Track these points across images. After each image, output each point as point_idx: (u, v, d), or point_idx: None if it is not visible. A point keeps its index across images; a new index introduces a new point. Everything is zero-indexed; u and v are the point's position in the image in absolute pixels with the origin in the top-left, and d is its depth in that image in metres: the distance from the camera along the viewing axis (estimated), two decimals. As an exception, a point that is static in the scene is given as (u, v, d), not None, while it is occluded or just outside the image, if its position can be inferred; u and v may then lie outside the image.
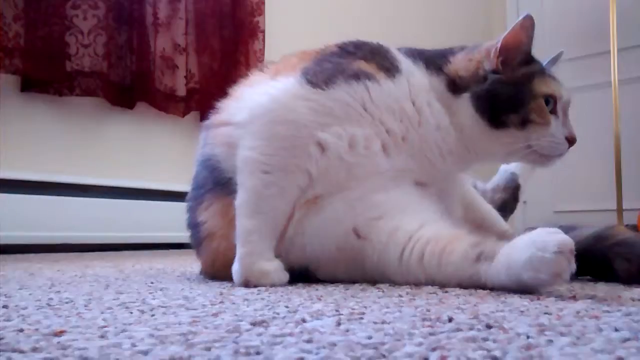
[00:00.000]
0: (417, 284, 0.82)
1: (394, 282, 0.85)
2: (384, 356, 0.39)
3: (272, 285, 0.84)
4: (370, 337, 0.45)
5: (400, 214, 0.87)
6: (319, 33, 2.95)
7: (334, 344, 0.42)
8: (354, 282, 0.88)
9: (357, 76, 0.89)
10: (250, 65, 2.64)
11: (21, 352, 0.41)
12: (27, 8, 2.01)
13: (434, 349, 0.40)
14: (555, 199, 3.65)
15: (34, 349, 0.42)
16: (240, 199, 0.87)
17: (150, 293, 0.78)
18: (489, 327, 0.49)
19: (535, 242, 0.69)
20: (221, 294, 0.76)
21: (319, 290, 0.80)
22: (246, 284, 0.84)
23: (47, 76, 2.08)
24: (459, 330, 0.48)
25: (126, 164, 2.35)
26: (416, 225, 0.85)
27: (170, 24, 2.41)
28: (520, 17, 0.90)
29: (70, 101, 2.19)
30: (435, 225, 0.86)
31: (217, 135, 0.96)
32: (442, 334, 0.46)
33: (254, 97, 0.91)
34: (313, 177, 0.88)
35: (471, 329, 0.48)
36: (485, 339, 0.44)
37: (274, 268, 0.86)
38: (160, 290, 0.82)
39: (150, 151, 2.43)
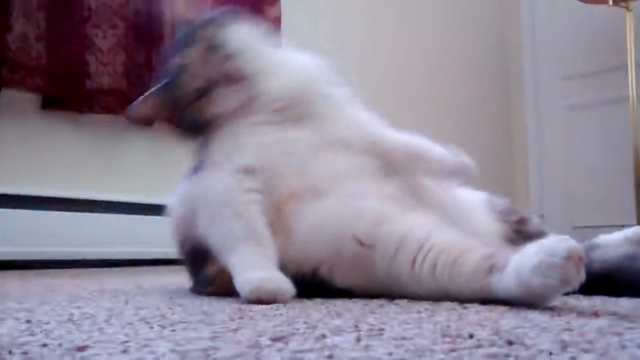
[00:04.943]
0: (431, 294, 0.83)
1: (406, 291, 0.85)
2: (405, 372, 0.39)
3: (268, 298, 0.82)
4: (390, 354, 0.44)
5: (402, 215, 0.89)
6: (336, 17, 2.98)
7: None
8: (371, 297, 0.88)
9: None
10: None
11: (46, 366, 0.42)
12: (49, 28, 2.05)
13: (455, 366, 0.40)
14: (574, 214, 3.61)
15: (59, 364, 0.43)
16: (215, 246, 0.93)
17: (170, 308, 0.78)
18: (510, 343, 0.48)
19: (545, 249, 0.69)
20: (240, 309, 0.76)
21: (337, 306, 0.80)
22: (250, 301, 0.83)
23: (67, 94, 2.12)
24: (480, 346, 0.47)
25: (146, 180, 2.37)
26: (425, 232, 0.86)
27: (188, 43, 2.45)
28: None
29: (90, 119, 2.23)
30: (444, 232, 0.87)
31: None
32: (463, 350, 0.46)
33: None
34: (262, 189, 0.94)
35: (492, 345, 0.48)
36: (507, 356, 0.43)
37: (261, 276, 0.85)
38: (179, 305, 0.82)
39: (168, 167, 2.45)
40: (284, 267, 0.89)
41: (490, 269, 0.77)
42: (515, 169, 4.00)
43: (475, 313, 0.69)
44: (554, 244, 0.69)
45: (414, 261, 0.84)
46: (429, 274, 0.83)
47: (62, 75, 2.08)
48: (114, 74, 2.21)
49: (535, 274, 0.69)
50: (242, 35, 1.03)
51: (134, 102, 1.08)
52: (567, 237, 0.70)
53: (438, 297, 0.82)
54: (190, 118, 1.01)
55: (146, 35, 2.32)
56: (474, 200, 1.13)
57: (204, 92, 0.99)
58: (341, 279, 0.91)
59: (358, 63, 2.77)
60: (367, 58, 3.07)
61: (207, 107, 0.99)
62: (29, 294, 1.02)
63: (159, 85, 1.04)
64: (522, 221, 1.11)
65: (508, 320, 0.62)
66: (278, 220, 0.93)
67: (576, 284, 0.67)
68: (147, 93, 1.06)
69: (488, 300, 0.78)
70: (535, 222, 1.15)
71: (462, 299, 0.79)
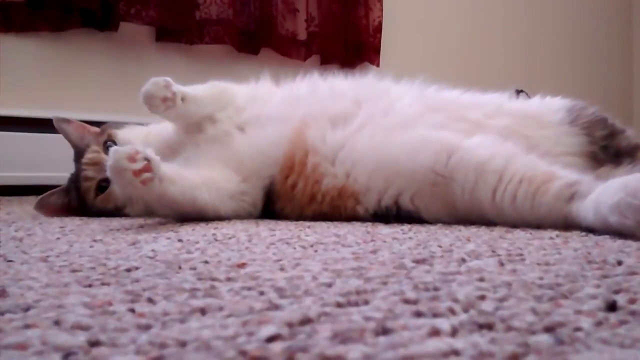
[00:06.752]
0: (511, 222, 0.83)
1: (486, 219, 0.86)
2: (565, 297, 0.39)
3: None
4: (541, 278, 0.45)
5: (472, 142, 0.90)
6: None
7: (509, 283, 0.43)
8: (494, 224, 0.87)
9: None
10: (369, 6, 2.59)
11: (220, 281, 0.46)
12: (158, -40, 2.10)
13: (616, 292, 0.40)
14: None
15: (229, 279, 0.47)
16: None
17: (301, 230, 0.83)
18: (665, 271, 0.47)
19: (627, 187, 0.68)
20: (368, 232, 0.79)
21: (462, 230, 0.80)
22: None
23: (179, 26, 2.18)
24: (634, 273, 0.46)
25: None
26: (502, 161, 0.86)
27: (290, -33, 2.42)
28: None
29: (200, 49, 2.29)
30: (521, 158, 0.86)
31: None
32: (616, 277, 0.45)
33: None
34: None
35: (647, 273, 0.47)
36: (667, 284, 0.42)
37: None
38: (309, 227, 0.87)
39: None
40: (365, 196, 0.95)
41: (572, 197, 0.78)
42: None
43: (612, 240, 0.67)
44: (636, 184, 0.67)
45: (494, 193, 0.85)
46: (509, 205, 0.84)
47: (174, 7, 2.14)
48: (221, 4, 2.24)
49: (613, 212, 0.68)
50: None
51: (43, 195, 1.16)
52: None
53: (518, 224, 0.83)
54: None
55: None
56: (549, 112, 1.06)
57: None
58: (425, 210, 0.93)
59: None
60: None
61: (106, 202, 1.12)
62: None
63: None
64: (611, 135, 1.04)
65: (653, 248, 0.60)
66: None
67: None
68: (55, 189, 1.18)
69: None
70: (628, 136, 1.06)
71: (543, 227, 0.79)
